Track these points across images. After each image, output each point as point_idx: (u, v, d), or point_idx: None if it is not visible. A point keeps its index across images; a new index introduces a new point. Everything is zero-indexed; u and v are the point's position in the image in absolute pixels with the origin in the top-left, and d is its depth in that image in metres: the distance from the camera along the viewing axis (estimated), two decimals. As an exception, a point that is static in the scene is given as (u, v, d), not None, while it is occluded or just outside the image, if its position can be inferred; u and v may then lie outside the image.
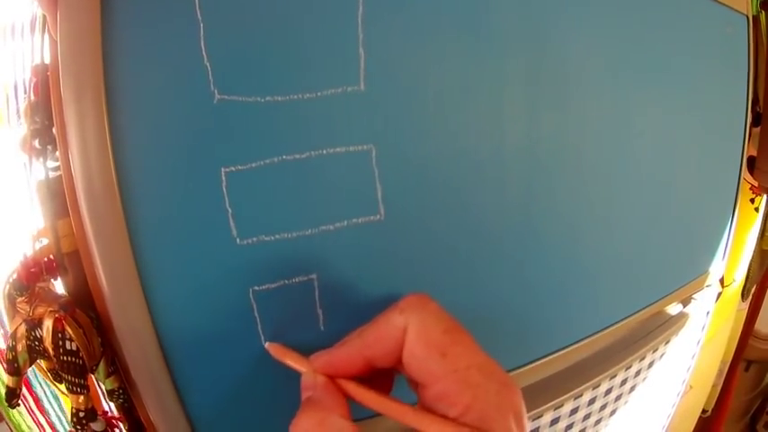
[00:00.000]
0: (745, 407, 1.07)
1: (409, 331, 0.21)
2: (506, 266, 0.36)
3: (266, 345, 0.26)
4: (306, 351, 0.30)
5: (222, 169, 0.26)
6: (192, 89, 0.25)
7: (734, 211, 0.57)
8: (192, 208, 0.26)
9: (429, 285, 0.33)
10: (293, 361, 0.25)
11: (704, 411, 0.82)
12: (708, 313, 0.60)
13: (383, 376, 0.25)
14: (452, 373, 0.20)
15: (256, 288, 0.28)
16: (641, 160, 0.43)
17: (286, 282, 0.28)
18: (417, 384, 0.22)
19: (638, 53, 0.41)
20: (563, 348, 0.42)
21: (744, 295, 0.74)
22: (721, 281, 0.61)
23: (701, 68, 0.47)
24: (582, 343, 0.43)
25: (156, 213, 0.25)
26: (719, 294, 0.61)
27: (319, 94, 0.27)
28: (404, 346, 0.22)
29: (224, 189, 0.26)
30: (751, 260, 0.68)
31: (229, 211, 0.26)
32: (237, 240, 0.27)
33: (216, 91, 0.25)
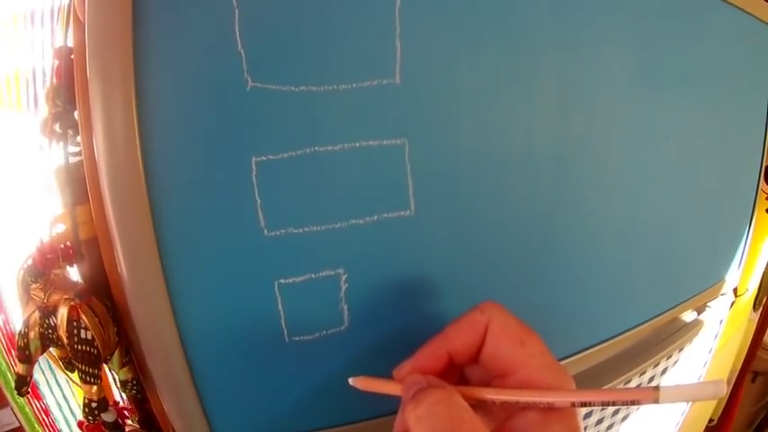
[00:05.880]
0: (750, 418, 1.07)
1: (492, 325, 0.24)
2: (527, 267, 0.36)
3: (350, 381, 0.26)
4: (328, 346, 0.29)
5: (253, 158, 0.25)
6: (225, 75, 0.24)
7: (751, 220, 0.56)
8: (221, 197, 0.25)
9: (455, 282, 0.32)
10: (383, 386, 0.25)
11: (710, 421, 0.82)
12: (721, 321, 0.60)
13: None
14: (530, 358, 0.23)
15: (282, 281, 0.27)
16: (663, 167, 0.43)
17: (312, 275, 0.28)
18: (496, 376, 0.24)
19: (665, 61, 0.40)
20: (579, 352, 0.41)
21: (755, 305, 0.74)
22: (735, 290, 0.60)
23: (724, 77, 0.47)
24: (598, 347, 0.42)
25: (181, 201, 0.25)
26: (732, 303, 0.61)
27: (354, 85, 0.26)
28: (486, 339, 0.24)
29: (254, 179, 0.25)
30: (765, 270, 0.68)
31: (258, 201, 0.26)
32: (265, 231, 0.26)
33: (249, 78, 0.24)
